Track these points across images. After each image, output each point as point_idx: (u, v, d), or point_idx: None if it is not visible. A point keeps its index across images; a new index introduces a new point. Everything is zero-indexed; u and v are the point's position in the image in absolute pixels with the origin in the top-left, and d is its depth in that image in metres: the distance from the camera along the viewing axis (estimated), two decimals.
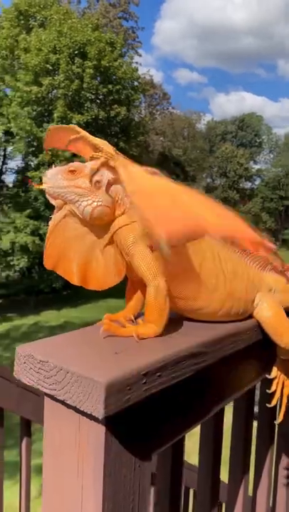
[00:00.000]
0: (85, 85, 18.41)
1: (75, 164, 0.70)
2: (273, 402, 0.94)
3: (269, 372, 0.92)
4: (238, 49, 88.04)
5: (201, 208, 0.67)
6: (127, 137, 20.52)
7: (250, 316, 0.83)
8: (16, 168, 22.11)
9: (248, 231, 0.69)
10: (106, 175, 0.70)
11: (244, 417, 0.99)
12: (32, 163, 20.06)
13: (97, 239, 0.71)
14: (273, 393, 0.93)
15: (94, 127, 19.77)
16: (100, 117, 18.97)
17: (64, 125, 0.75)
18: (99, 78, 19.03)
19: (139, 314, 0.75)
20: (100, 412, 0.50)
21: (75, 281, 0.72)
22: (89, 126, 19.56)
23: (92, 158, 0.70)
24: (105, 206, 0.69)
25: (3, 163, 21.94)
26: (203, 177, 35.39)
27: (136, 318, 0.73)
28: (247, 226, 0.71)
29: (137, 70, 20.81)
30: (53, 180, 0.69)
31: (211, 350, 0.68)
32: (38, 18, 19.54)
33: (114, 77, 19.17)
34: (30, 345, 0.59)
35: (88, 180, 0.69)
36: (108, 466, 0.54)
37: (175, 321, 0.74)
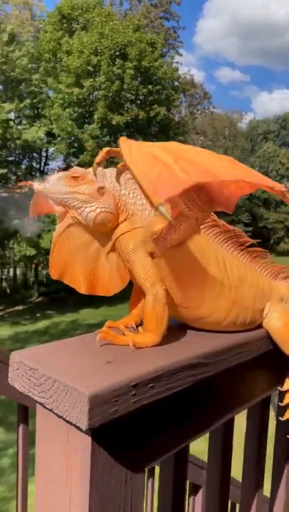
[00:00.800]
0: (125, 86, 18.54)
1: (78, 170, 0.70)
2: (286, 416, 0.90)
3: (281, 384, 0.89)
4: (281, 46, 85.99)
5: (209, 158, 0.61)
6: (167, 137, 20.46)
7: (260, 326, 0.80)
8: (57, 168, 22.51)
9: (258, 175, 0.61)
10: (109, 180, 0.69)
11: (258, 428, 0.96)
12: (73, 164, 20.36)
13: (101, 246, 0.71)
14: (286, 406, 0.89)
15: (133, 127, 19.88)
16: (140, 117, 19.03)
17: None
18: (139, 79, 19.10)
19: (142, 322, 0.73)
20: (84, 424, 0.49)
21: (82, 289, 0.72)
22: (128, 127, 19.70)
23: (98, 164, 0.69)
24: (109, 212, 0.68)
25: (45, 163, 22.44)
26: None
27: (138, 326, 0.72)
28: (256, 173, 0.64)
29: (177, 69, 20.76)
30: (55, 186, 0.68)
31: (213, 361, 0.66)
32: (81, 21, 19.84)
33: (154, 77, 19.18)
34: (23, 352, 0.59)
35: (92, 186, 0.69)
36: (95, 477, 0.53)
37: (177, 330, 0.72)
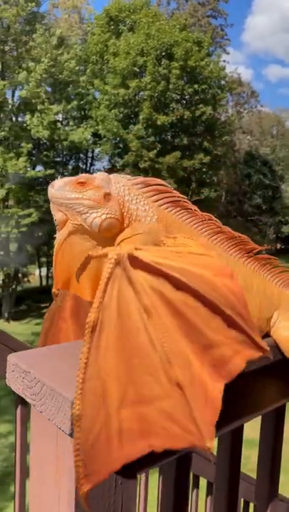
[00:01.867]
0: (171, 86, 18.54)
1: (84, 176, 0.70)
2: None
3: None
4: None
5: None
6: (212, 136, 20.28)
7: (267, 335, 0.79)
8: (103, 169, 22.87)
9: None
10: (114, 186, 0.70)
11: (272, 437, 0.94)
12: (117, 165, 20.64)
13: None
14: None
15: (178, 127, 19.85)
16: (185, 117, 18.98)
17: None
18: (185, 78, 19.04)
19: None
20: (67, 428, 0.51)
21: (88, 296, 0.72)
22: (173, 127, 19.69)
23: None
24: (114, 218, 0.68)
25: (91, 164, 22.82)
26: None
27: None
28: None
29: (224, 68, 20.52)
30: (60, 191, 0.68)
31: None
32: (128, 22, 20.04)
33: (200, 76, 19.06)
34: (19, 354, 0.61)
35: (98, 192, 0.69)
36: None
37: None
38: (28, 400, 0.57)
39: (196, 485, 2.46)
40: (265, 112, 30.67)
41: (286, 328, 0.77)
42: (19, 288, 19.88)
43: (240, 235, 0.75)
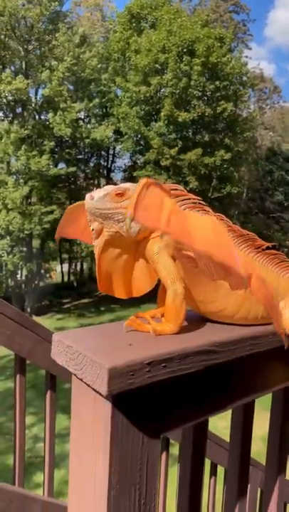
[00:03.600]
0: (192, 83, 18.53)
1: (121, 187, 0.77)
2: None
3: None
4: None
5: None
6: (233, 133, 20.19)
7: None
8: (124, 166, 22.99)
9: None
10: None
11: (281, 415, 1.03)
12: (139, 162, 20.74)
13: (133, 252, 0.81)
14: None
15: (200, 124, 19.82)
16: (206, 114, 18.94)
17: (80, 202, 0.81)
18: (206, 75, 18.99)
19: None
20: (104, 391, 0.61)
21: (123, 295, 0.82)
22: (195, 124, 19.67)
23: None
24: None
25: (112, 161, 22.97)
26: None
27: (163, 316, 0.83)
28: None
29: (246, 64, 20.39)
30: (100, 202, 0.75)
31: (225, 349, 0.76)
32: (149, 19, 20.09)
33: (222, 73, 18.97)
34: (63, 333, 0.72)
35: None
36: (115, 437, 0.65)
37: (195, 321, 0.82)
38: (70, 369, 0.68)
39: (214, 473, 2.56)
40: (288, 108, 30.26)
41: None
42: (41, 284, 20.22)
43: (249, 232, 0.85)
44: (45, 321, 16.42)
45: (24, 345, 1.56)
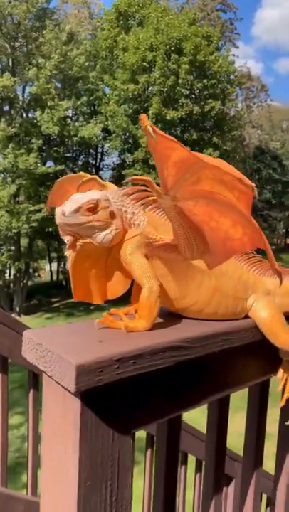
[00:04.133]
0: (180, 81, 18.54)
1: (92, 199, 0.76)
2: (282, 403, 0.98)
3: (276, 372, 0.97)
4: None
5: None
6: (221, 131, 20.26)
7: (247, 317, 0.89)
8: (112, 164, 22.94)
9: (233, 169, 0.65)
10: (114, 203, 0.79)
11: (257, 411, 1.04)
12: (127, 160, 20.71)
13: (106, 258, 0.82)
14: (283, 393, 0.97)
15: (188, 122, 19.86)
16: (194, 112, 18.97)
17: (71, 175, 0.84)
18: (194, 73, 19.02)
19: None
20: (72, 388, 0.62)
21: (100, 301, 0.83)
22: (183, 122, 19.70)
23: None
24: (121, 231, 0.79)
25: (101, 159, 22.91)
26: None
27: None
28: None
29: (233, 63, 20.45)
30: (72, 218, 0.75)
31: (196, 345, 0.76)
32: (137, 17, 20.04)
33: (209, 71, 19.02)
34: (33, 330, 0.72)
35: (105, 212, 0.77)
36: (84, 434, 0.65)
37: (169, 318, 0.83)
38: (40, 367, 0.69)
39: (185, 462, 2.56)
40: (275, 106, 30.49)
41: (263, 310, 0.87)
42: (30, 283, 20.11)
43: None
44: (34, 321, 16.34)
45: (4, 343, 1.55)
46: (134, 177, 0.76)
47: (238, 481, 2.68)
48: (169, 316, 0.84)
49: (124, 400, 0.70)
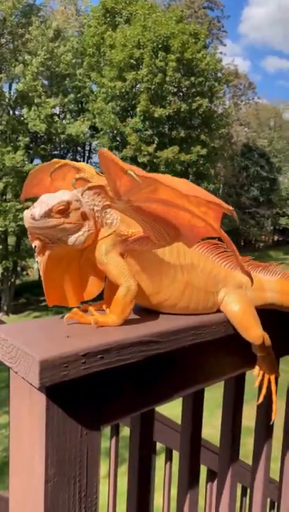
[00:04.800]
0: (167, 79, 18.53)
1: (63, 200, 0.74)
2: (260, 400, 0.98)
3: (252, 367, 0.97)
4: None
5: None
6: (209, 129, 20.31)
7: (219, 311, 0.89)
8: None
9: (209, 194, 0.68)
10: (85, 204, 0.77)
11: (232, 405, 1.05)
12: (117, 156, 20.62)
13: (77, 260, 0.80)
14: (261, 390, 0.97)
15: (176, 120, 19.86)
16: (182, 110, 18.98)
17: (44, 163, 0.83)
18: (182, 71, 19.02)
19: None
20: (36, 383, 0.61)
21: (76, 303, 0.82)
22: (170, 120, 19.69)
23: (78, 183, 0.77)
24: (93, 231, 0.77)
25: (88, 157, 22.83)
26: None
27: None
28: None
29: (220, 60, 20.49)
30: (42, 222, 0.72)
31: (165, 339, 0.76)
32: (124, 14, 19.97)
33: (197, 69, 19.04)
34: (0, 326, 0.71)
35: (76, 213, 0.75)
36: (51, 429, 0.65)
37: (140, 313, 0.83)
38: (6, 363, 0.68)
39: (170, 458, 2.55)
40: (263, 104, 30.66)
41: (233, 304, 0.87)
42: (18, 281, 19.97)
43: None
44: (22, 319, 16.23)
45: None
46: (90, 185, 0.74)
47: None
48: (141, 312, 0.84)
49: (93, 395, 0.70)
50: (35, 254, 0.77)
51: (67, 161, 0.83)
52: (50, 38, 17.66)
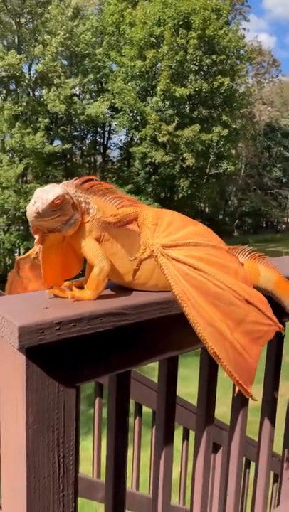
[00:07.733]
0: (188, 57, 18.28)
1: (59, 196, 0.84)
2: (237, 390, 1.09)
3: None
4: None
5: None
6: (231, 109, 20.00)
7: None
8: (120, 143, 22.80)
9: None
10: (72, 195, 0.89)
11: (207, 375, 1.16)
12: (135, 138, 20.59)
13: (61, 244, 0.93)
14: None
15: (197, 100, 19.63)
16: (203, 89, 18.73)
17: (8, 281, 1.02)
18: (203, 48, 18.70)
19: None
20: (16, 345, 0.73)
21: (61, 283, 0.93)
22: (191, 99, 19.46)
23: None
24: (79, 219, 0.90)
25: (108, 138, 22.80)
26: None
27: None
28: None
29: (243, 37, 20.03)
30: (45, 215, 0.83)
31: (134, 312, 0.87)
32: None
33: (218, 46, 18.68)
34: None
35: (68, 204, 0.86)
36: (30, 384, 0.77)
37: (114, 289, 0.94)
38: None
39: (139, 413, 2.68)
40: (287, 82, 29.85)
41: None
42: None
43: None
44: None
45: None
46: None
47: (225, 448, 2.84)
48: (116, 289, 0.95)
49: (68, 357, 0.82)
50: (35, 243, 0.91)
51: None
52: (69, 16, 17.58)
